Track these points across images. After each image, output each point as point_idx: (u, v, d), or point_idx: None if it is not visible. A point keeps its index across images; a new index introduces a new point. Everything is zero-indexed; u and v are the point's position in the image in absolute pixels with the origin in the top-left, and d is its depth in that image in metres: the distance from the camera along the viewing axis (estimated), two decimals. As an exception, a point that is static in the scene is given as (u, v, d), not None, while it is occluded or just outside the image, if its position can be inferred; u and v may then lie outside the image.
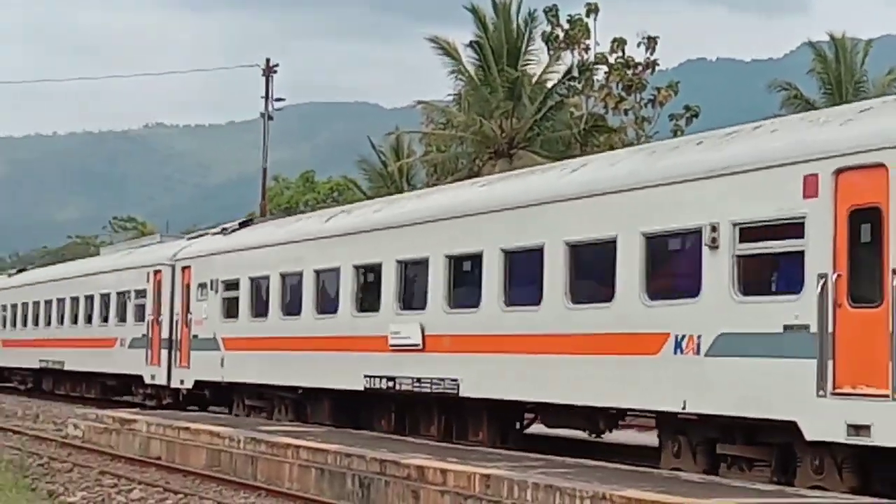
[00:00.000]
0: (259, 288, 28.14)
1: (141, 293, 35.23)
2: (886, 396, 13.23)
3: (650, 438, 20.67)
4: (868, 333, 13.58)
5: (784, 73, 77.51)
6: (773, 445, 15.40)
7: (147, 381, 34.50)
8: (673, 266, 17.31)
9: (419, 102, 69.36)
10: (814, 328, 14.15)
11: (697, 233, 16.04)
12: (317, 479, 18.92)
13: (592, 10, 63.98)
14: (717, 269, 15.71)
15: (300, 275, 26.19)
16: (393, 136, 69.20)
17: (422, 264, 22.09)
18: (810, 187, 14.46)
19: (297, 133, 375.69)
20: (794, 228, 14.67)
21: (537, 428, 22.24)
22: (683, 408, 16.15)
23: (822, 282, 14.09)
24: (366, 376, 23.33)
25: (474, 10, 60.73)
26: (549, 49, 63.83)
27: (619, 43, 65.34)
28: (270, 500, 18.46)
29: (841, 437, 13.75)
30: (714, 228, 15.76)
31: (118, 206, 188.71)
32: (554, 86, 61.21)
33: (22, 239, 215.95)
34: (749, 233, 15.40)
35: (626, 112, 65.81)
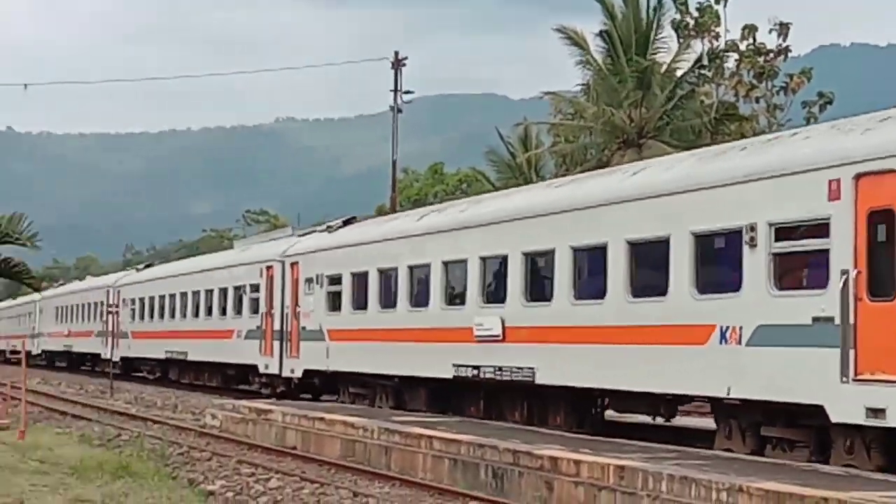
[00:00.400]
0: (359, 282, 29.79)
1: (255, 287, 37.09)
2: None
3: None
4: (885, 324, 14.82)
5: (922, 57, 75.61)
6: (811, 428, 16.52)
7: (261, 370, 36.22)
8: (718, 263, 18.42)
9: (547, 93, 69.16)
10: (837, 320, 15.45)
11: (738, 232, 17.38)
12: (450, 469, 19.04)
13: (723, -4, 63.11)
14: (756, 265, 17.06)
15: (395, 270, 27.94)
16: (521, 128, 69.03)
17: (502, 261, 23.63)
18: (834, 191, 15.78)
19: (426, 125, 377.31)
20: (820, 228, 16.00)
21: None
22: (728, 393, 17.55)
23: (844, 277, 15.40)
24: (454, 365, 24.90)
25: (602, 0, 60.37)
26: (678, 37, 63.17)
27: (749, 30, 64.40)
28: (404, 490, 18.61)
29: (861, 419, 15.05)
30: (752, 228, 17.12)
31: (251, 199, 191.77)
32: (684, 74, 60.57)
33: (159, 233, 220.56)
34: (783, 232, 16.76)
35: (757, 100, 64.83)
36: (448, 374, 25.16)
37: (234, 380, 40.72)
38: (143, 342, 50.05)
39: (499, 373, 23.50)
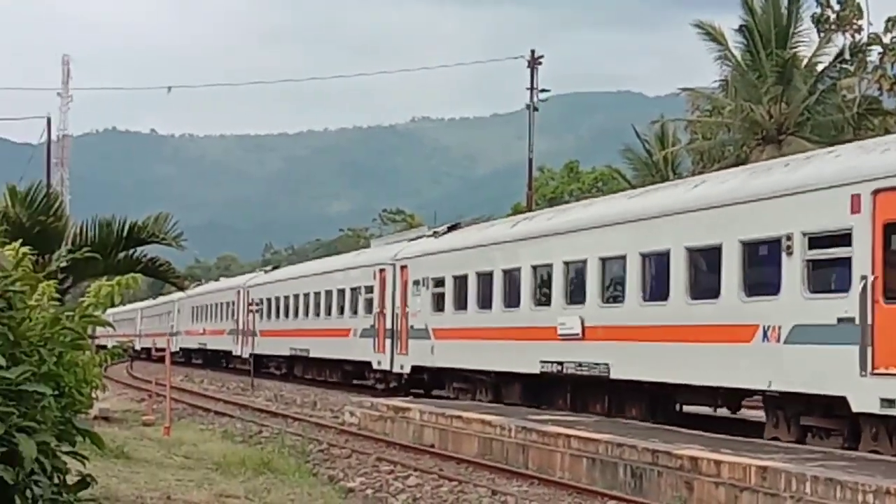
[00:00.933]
0: (460, 285, 32.18)
1: (369, 289, 39.71)
2: None
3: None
4: None
5: None
6: (845, 417, 18.06)
7: (374, 366, 38.69)
8: (761, 268, 20.21)
9: (683, 90, 68.47)
10: (857, 320, 17.26)
11: (778, 241, 19.34)
12: (588, 468, 18.97)
13: (866, -12, 61.78)
14: (792, 271, 19.01)
15: (491, 274, 30.18)
16: (657, 125, 68.42)
17: (582, 265, 25.85)
18: (855, 205, 17.63)
19: (561, 123, 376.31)
20: (844, 238, 17.90)
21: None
22: (769, 386, 19.48)
23: (863, 283, 17.21)
24: (541, 361, 27.07)
25: (741, -6, 59.44)
26: (818, 31, 62.05)
27: (894, 22, 62.93)
28: (542, 489, 18.59)
29: (876, 409, 16.92)
30: (790, 238, 19.08)
31: (387, 198, 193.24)
32: (825, 69, 59.47)
33: (297, 232, 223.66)
34: (814, 241, 18.68)
35: (902, 94, 63.22)
36: (536, 369, 27.28)
37: (352, 375, 42.91)
38: (270, 340, 52.03)
39: (579, 368, 25.65)
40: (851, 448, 17.89)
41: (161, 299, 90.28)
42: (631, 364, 23.73)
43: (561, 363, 26.28)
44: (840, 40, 61.78)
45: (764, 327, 19.47)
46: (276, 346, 51.26)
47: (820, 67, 60.18)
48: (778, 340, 19.13)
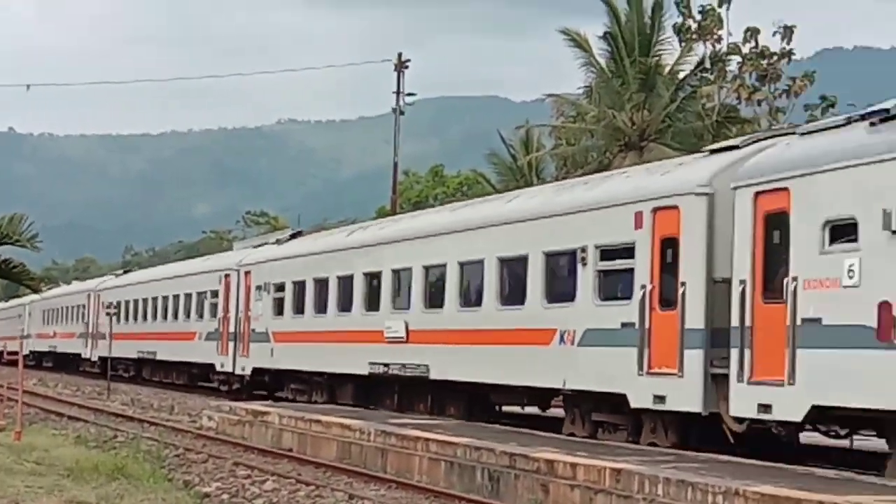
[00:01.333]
0: (299, 290, 33.75)
1: (215, 293, 41.24)
2: (675, 374, 18.39)
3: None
4: (669, 329, 18.63)
5: (924, 61, 75.64)
6: (629, 414, 19.92)
7: (218, 368, 40.34)
8: (560, 278, 22.12)
9: (549, 95, 69.09)
10: (637, 325, 19.30)
11: (575, 253, 21.22)
12: (446, 472, 18.96)
13: (725, 0, 63.04)
14: (586, 280, 20.99)
15: (327, 280, 31.86)
16: (523, 130, 68.87)
17: (408, 273, 27.64)
18: (638, 221, 19.55)
19: (428, 127, 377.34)
20: (628, 251, 19.85)
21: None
22: (564, 385, 21.39)
23: (642, 292, 19.22)
24: (370, 363, 28.82)
25: (607, 1, 60.22)
26: (680, 40, 63.09)
27: (752, 32, 64.25)
28: (400, 493, 18.52)
29: (649, 404, 18.99)
30: (584, 250, 20.98)
31: (252, 200, 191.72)
32: (686, 77, 60.48)
33: (159, 234, 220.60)
34: (605, 253, 20.62)
35: (759, 103, 64.65)
36: (365, 370, 29.07)
37: (197, 378, 44.56)
38: (120, 343, 52.20)
39: (403, 369, 27.49)
40: (634, 441, 19.78)
41: (12, 302, 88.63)
42: (448, 365, 25.58)
43: (387, 365, 28.09)
44: (701, 49, 62.94)
45: (561, 331, 21.50)
46: (126, 348, 51.61)
47: (681, 75, 61.21)
48: (573, 343, 21.13)
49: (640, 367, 19.08)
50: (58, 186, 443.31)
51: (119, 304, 53.19)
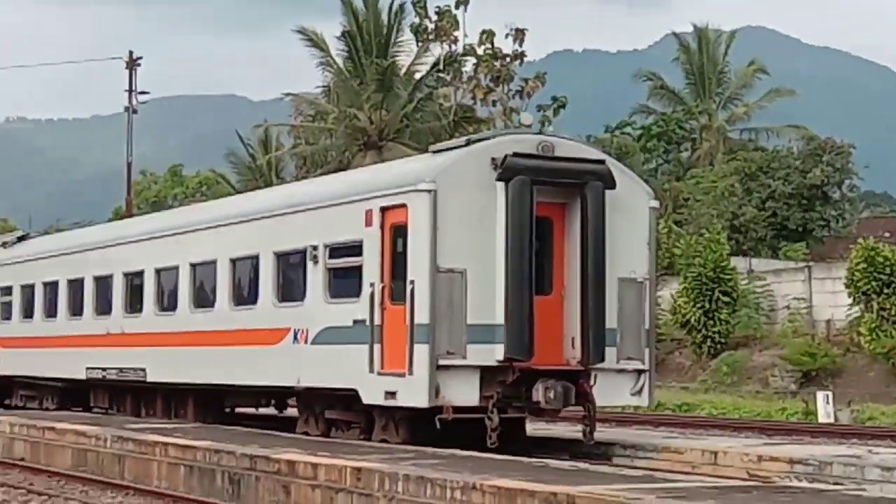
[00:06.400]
0: (27, 294, 33.08)
1: None
2: (404, 373, 18.38)
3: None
4: (399, 324, 18.63)
5: (649, 63, 78.73)
6: (362, 411, 20.03)
7: None
8: (292, 277, 22.00)
9: (287, 95, 68.85)
10: (367, 322, 19.19)
11: (305, 252, 21.05)
12: (185, 476, 18.67)
13: (461, 1, 64.06)
14: (316, 279, 20.85)
15: (57, 283, 31.16)
16: (261, 129, 68.49)
17: (139, 275, 27.12)
18: (368, 219, 19.50)
19: (165, 127, 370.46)
20: (357, 249, 19.78)
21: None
22: (298, 383, 21.22)
23: (372, 288, 19.20)
24: (87, 368, 28.72)
25: (345, 1, 60.31)
26: (417, 41, 63.83)
27: (487, 35, 65.51)
28: (138, 499, 18.18)
29: (381, 400, 19.02)
30: (315, 248, 20.81)
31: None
32: (423, 77, 61.20)
33: None
34: (335, 252, 20.49)
35: (494, 103, 65.99)
36: (82, 374, 28.97)
37: None
38: None
39: (120, 373, 27.41)
40: (367, 438, 19.95)
41: None
42: (163, 368, 25.56)
43: (105, 369, 27.99)
44: (438, 50, 63.82)
45: (295, 330, 21.31)
46: None
47: (418, 76, 61.87)
48: (307, 342, 21.00)
49: (372, 364, 19.06)
50: None
51: None
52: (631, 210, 19.51)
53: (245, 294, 23.29)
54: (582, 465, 16.08)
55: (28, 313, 32.96)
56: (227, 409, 26.16)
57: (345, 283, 20.32)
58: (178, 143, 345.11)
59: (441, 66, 61.42)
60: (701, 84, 68.15)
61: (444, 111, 61.46)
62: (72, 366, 29.46)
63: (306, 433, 21.30)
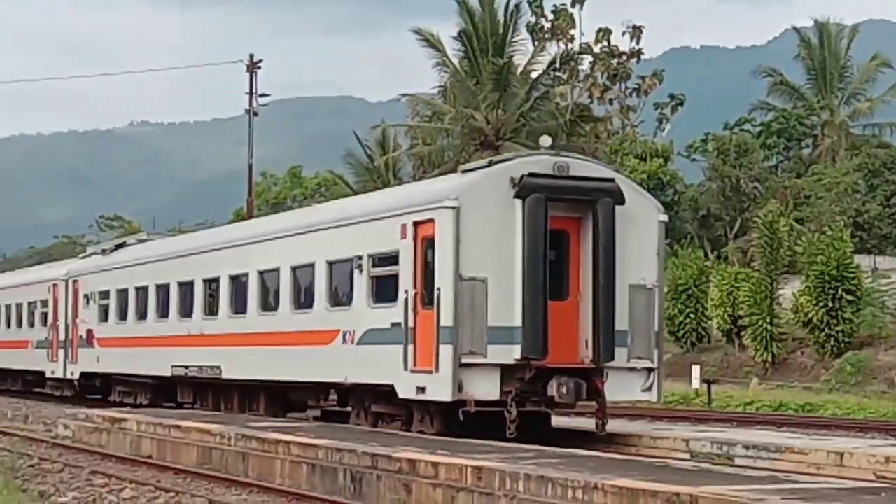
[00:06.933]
0: (122, 297, 35.73)
1: (45, 303, 43.08)
2: (431, 371, 20.41)
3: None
4: (428, 327, 20.66)
5: (768, 59, 77.53)
6: (402, 405, 22.03)
7: (49, 374, 42.20)
8: (341, 283, 24.14)
9: (404, 95, 69.20)
10: (403, 325, 21.24)
11: (352, 260, 23.32)
12: (308, 474, 18.89)
13: (577, 0, 63.86)
14: (362, 286, 23.07)
15: (145, 289, 33.86)
16: (378, 130, 68.88)
17: (216, 282, 29.54)
18: (403, 232, 21.59)
19: (284, 129, 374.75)
20: (394, 259, 21.89)
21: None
22: (346, 380, 23.49)
23: (406, 294, 21.29)
24: (172, 366, 31.35)
25: (460, 1, 60.44)
26: (533, 40, 63.77)
27: (604, 33, 65.22)
28: (262, 497, 18.40)
29: (413, 395, 21.06)
30: (360, 258, 23.02)
31: (106, 205, 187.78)
32: (539, 76, 61.10)
33: (9, 240, 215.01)
34: (377, 261, 22.67)
35: (611, 101, 65.70)
36: (168, 372, 31.57)
37: (32, 385, 45.92)
38: None
39: (200, 371, 29.81)
40: (407, 429, 21.98)
41: None
42: (237, 366, 28.02)
43: (187, 366, 30.45)
44: (554, 49, 63.70)
45: (343, 332, 23.50)
46: None
47: (535, 75, 61.77)
48: (353, 342, 23.19)
49: (406, 363, 21.09)
50: None
51: None
52: (641, 223, 21.42)
53: (303, 299, 25.57)
54: (704, 465, 15.94)
55: (123, 315, 35.52)
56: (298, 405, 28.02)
57: (384, 289, 22.43)
58: (296, 145, 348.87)
59: (557, 65, 61.30)
60: (822, 79, 66.97)
61: (560, 110, 61.32)
62: (160, 364, 32.08)
63: (358, 425, 23.44)
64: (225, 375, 28.63)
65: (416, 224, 21.30)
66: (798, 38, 69.46)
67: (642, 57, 66.34)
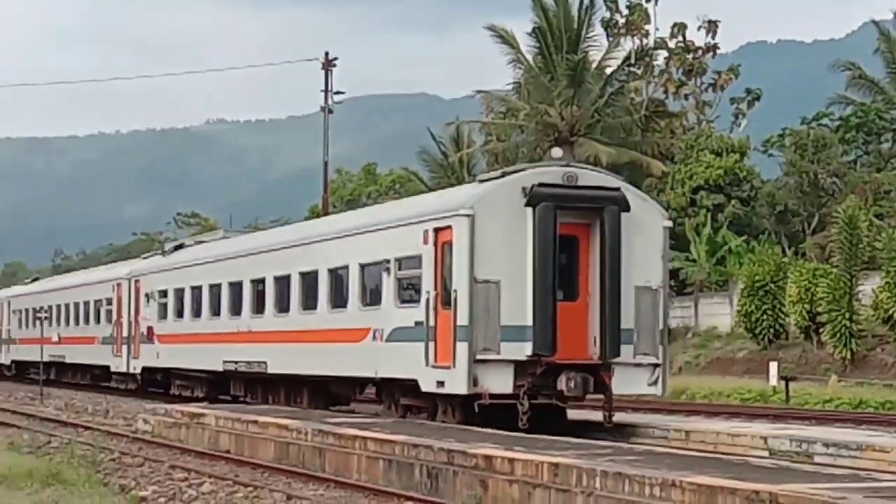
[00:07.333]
0: (178, 296, 37.86)
1: (109, 301, 45.28)
2: (449, 366, 22.00)
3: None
4: (447, 326, 22.26)
5: (846, 53, 76.50)
6: (427, 397, 23.53)
7: (113, 369, 44.57)
8: (372, 285, 25.80)
9: (478, 92, 69.20)
10: (425, 324, 22.80)
11: (381, 263, 24.99)
12: (385, 469, 18.98)
13: (652, -5, 63.38)
14: (390, 286, 24.73)
15: (199, 288, 35.83)
16: (453, 127, 68.92)
17: (261, 283, 31.43)
18: (425, 238, 23.21)
19: (359, 126, 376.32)
20: (417, 262, 23.53)
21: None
22: (376, 374, 25.15)
23: (427, 296, 22.93)
24: (223, 361, 33.19)
25: (535, -2, 60.20)
26: (608, 35, 63.47)
27: (679, 27, 64.78)
28: (339, 492, 18.52)
29: (434, 389, 22.65)
30: (388, 261, 24.68)
31: (183, 202, 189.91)
32: (614, 72, 60.81)
33: (89, 237, 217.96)
34: (402, 264, 24.32)
35: (686, 97, 65.23)
36: (220, 367, 33.42)
37: (99, 378, 47.97)
38: (27, 347, 55.69)
39: (248, 366, 31.62)
40: (431, 419, 23.57)
41: None
42: (281, 362, 29.80)
43: (237, 362, 32.28)
44: (628, 44, 63.36)
45: (374, 330, 25.14)
46: (36, 353, 53.16)
47: (609, 71, 61.46)
48: (382, 339, 24.80)
49: (427, 359, 22.70)
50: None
51: (27, 311, 56.80)
52: (646, 229, 22.86)
53: (339, 299, 27.21)
54: (783, 463, 15.79)
55: (179, 313, 37.52)
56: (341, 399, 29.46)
57: (409, 290, 24.18)
58: (371, 142, 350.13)
59: (632, 61, 60.96)
60: (903, 73, 65.91)
61: (635, 106, 60.98)
62: (213, 359, 34.11)
63: (388, 415, 25.13)
64: (270, 370, 30.37)
65: (437, 230, 22.93)
66: (877, 31, 68.45)
67: (718, 51, 65.81)
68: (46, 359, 50.89)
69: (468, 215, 22.17)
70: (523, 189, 22.17)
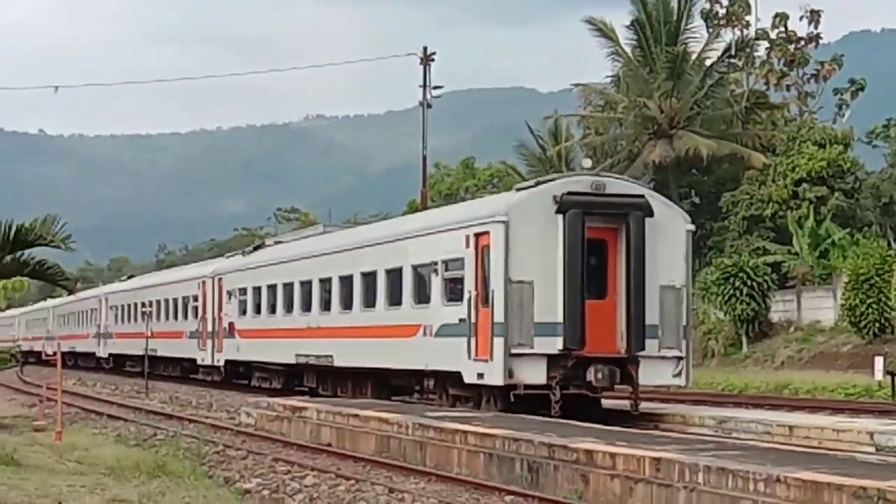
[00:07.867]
0: (255, 294, 40.38)
1: (195, 298, 47.73)
2: (488, 360, 24.20)
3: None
4: (486, 323, 24.41)
5: (954, 41, 74.86)
6: (472, 388, 25.56)
7: (199, 362, 46.96)
8: (423, 284, 28.00)
9: (576, 85, 68.87)
10: (467, 321, 25.00)
11: (430, 265, 27.31)
12: (485, 463, 19.02)
13: (753, -16, 62.54)
14: (437, 287, 27.04)
15: (274, 287, 38.17)
16: (551, 121, 68.66)
17: (328, 282, 33.70)
18: (467, 242, 25.45)
19: (456, 120, 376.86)
20: (461, 264, 25.77)
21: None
22: (426, 366, 27.40)
23: (469, 295, 25.10)
24: (296, 354, 35.55)
25: (633, -10, 59.78)
26: (707, 27, 62.82)
27: (780, 18, 63.85)
28: (440, 486, 18.58)
29: (475, 380, 24.85)
30: (436, 263, 26.97)
31: (282, 197, 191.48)
32: (714, 63, 60.22)
33: (191, 232, 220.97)
34: (448, 266, 26.53)
35: (788, 88, 64.29)
36: (293, 360, 35.81)
37: (187, 371, 50.11)
38: (125, 342, 59.31)
39: (317, 359, 33.98)
40: (476, 408, 25.34)
41: (88, 293, 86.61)
42: (347, 355, 32.04)
43: (307, 355, 34.66)
44: (728, 35, 62.64)
45: (424, 326, 27.40)
46: (132, 347, 56.90)
47: (709, 62, 60.83)
48: (431, 335, 27.06)
49: (470, 353, 24.83)
50: (88, 187, 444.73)
51: (123, 307, 60.51)
52: (669, 232, 24.92)
53: (394, 297, 29.43)
54: (891, 458, 15.53)
55: (258, 310, 39.90)
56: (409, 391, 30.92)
57: (454, 290, 26.25)
58: (468, 136, 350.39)
59: (733, 52, 60.29)
60: None
61: (735, 97, 60.30)
62: (287, 353, 36.39)
63: (439, 405, 26.83)
64: (336, 363, 32.78)
65: (476, 235, 25.15)
66: None
67: (821, 42, 64.72)
68: (141, 352, 52.43)
69: (503, 221, 24.38)
70: (554, 197, 24.27)
